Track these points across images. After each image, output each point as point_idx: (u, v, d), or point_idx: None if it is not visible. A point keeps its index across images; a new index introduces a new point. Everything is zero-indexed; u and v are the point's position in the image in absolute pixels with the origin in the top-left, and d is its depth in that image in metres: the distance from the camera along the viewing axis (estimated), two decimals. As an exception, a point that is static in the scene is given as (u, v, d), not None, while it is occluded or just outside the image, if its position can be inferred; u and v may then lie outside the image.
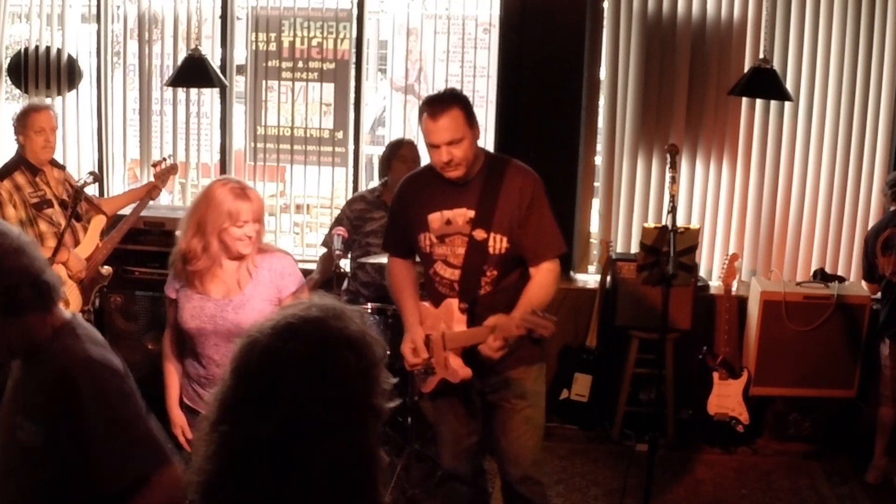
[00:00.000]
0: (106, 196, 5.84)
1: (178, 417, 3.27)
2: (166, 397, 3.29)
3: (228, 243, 3.14)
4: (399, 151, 4.86)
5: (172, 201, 5.98)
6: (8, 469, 2.11)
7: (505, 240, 3.27)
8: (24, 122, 4.45)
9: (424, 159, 5.37)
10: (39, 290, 2.05)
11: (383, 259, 4.69)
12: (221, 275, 3.21)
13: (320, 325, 1.46)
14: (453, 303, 3.33)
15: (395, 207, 3.53)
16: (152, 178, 4.96)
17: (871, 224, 5.20)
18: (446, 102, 3.22)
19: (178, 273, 3.21)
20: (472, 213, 3.28)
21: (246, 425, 1.41)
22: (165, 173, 4.93)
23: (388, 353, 4.64)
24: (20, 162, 4.46)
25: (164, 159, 5.02)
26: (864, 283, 5.04)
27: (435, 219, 3.34)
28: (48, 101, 5.78)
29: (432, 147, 3.25)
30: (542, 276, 3.29)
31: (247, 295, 3.18)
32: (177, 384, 3.32)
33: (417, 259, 3.54)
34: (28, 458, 2.03)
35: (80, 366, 2.04)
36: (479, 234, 3.27)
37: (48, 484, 2.02)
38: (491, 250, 3.27)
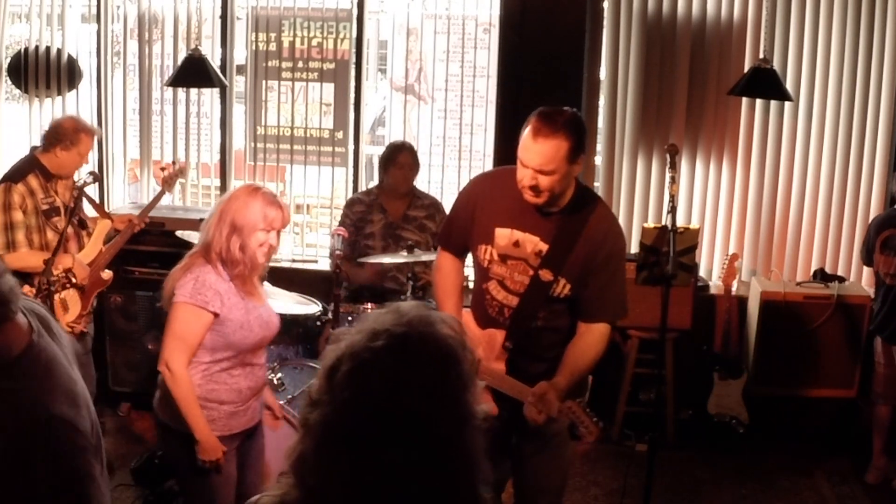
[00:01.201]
0: (107, 196, 5.84)
1: (218, 444, 3.08)
2: (200, 426, 3.03)
3: (251, 248, 3.06)
4: (398, 158, 4.88)
5: (172, 202, 5.97)
6: None
7: (569, 286, 3.05)
8: (74, 140, 4.29)
9: (423, 163, 5.40)
10: None
11: (382, 259, 4.72)
12: (249, 284, 3.19)
13: (435, 339, 1.41)
14: (497, 336, 3.13)
15: (461, 203, 3.25)
16: (158, 183, 4.93)
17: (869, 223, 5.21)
18: (557, 128, 2.89)
19: (224, 280, 3.06)
20: (544, 247, 3.04)
21: (369, 450, 1.35)
22: (172, 178, 4.88)
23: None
24: (35, 165, 4.29)
25: (172, 164, 4.98)
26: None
27: (503, 235, 3.09)
28: (48, 104, 5.78)
29: (522, 164, 2.94)
30: (593, 338, 3.08)
31: (265, 297, 3.26)
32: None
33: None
34: None
35: (38, 424, 1.82)
36: (546, 274, 3.04)
37: None
38: (553, 293, 3.06)
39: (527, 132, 2.93)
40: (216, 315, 3.03)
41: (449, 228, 3.33)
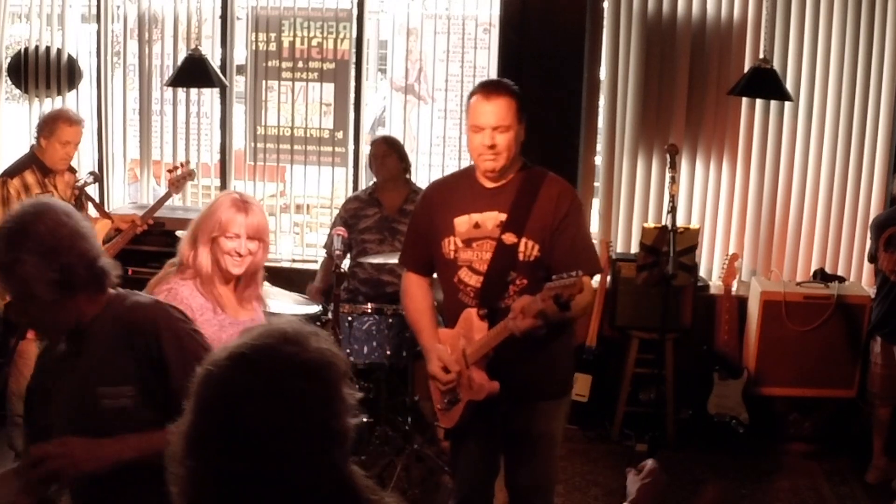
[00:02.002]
0: (107, 196, 5.85)
1: None
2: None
3: (218, 257, 2.93)
4: (372, 148, 5.02)
5: (173, 202, 5.96)
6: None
7: (537, 247, 3.08)
8: (52, 129, 4.37)
9: (423, 163, 5.41)
10: (94, 273, 2.13)
11: (381, 259, 4.72)
12: (227, 296, 3.02)
13: (272, 352, 1.42)
14: (471, 311, 3.12)
15: (417, 214, 3.34)
16: (168, 188, 4.91)
17: (871, 223, 5.21)
18: (502, 89, 3.10)
19: (202, 294, 2.97)
20: (503, 217, 3.11)
21: (209, 459, 1.38)
22: (181, 180, 4.88)
23: (389, 353, 4.61)
24: (32, 161, 4.41)
25: (181, 165, 4.98)
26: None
27: (462, 222, 3.16)
28: (48, 104, 5.78)
29: (477, 129, 3.07)
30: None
31: (256, 311, 3.07)
32: None
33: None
34: (119, 424, 2.07)
35: (153, 312, 2.18)
36: (510, 237, 3.10)
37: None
38: (521, 256, 3.09)
39: (476, 99, 3.09)
40: None
41: (410, 243, 3.38)
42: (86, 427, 2.08)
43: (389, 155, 4.91)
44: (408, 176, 5.02)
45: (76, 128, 4.44)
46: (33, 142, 4.50)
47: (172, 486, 1.43)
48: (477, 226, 3.15)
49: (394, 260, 4.64)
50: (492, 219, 3.13)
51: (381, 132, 6.76)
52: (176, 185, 4.86)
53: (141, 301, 2.22)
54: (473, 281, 3.15)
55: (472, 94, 3.15)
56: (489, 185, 3.15)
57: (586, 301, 3.06)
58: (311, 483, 1.40)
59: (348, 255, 4.77)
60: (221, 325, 2.97)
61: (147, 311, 2.19)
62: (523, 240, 3.09)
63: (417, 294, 3.31)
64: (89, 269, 2.11)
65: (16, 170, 4.35)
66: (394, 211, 4.89)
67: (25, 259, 2.03)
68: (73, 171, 4.67)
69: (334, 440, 1.42)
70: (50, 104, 5.81)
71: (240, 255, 2.93)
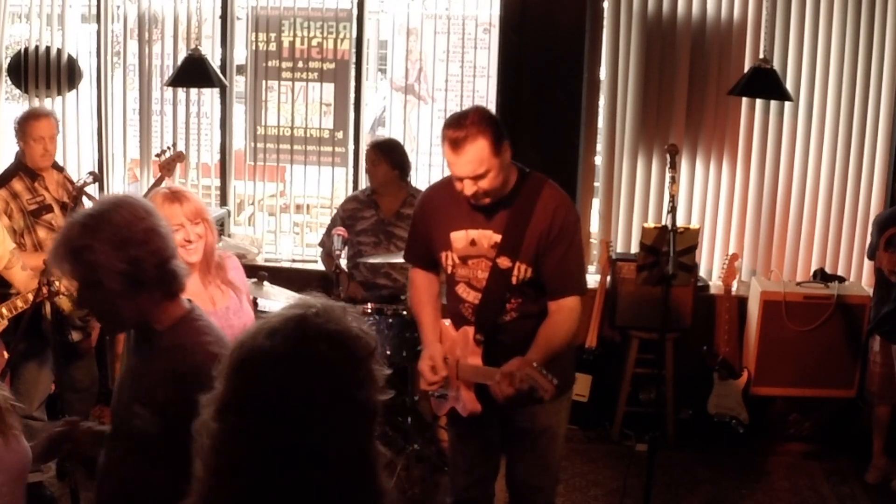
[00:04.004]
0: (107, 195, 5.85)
1: None
2: None
3: None
4: (366, 156, 5.02)
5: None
6: (118, 457, 2.14)
7: (529, 270, 3.09)
8: (23, 129, 4.39)
9: (423, 163, 5.41)
10: (162, 274, 2.10)
11: (377, 260, 4.73)
12: (194, 289, 2.96)
13: (299, 321, 1.47)
14: (469, 332, 3.16)
15: (416, 219, 3.33)
16: (155, 173, 4.93)
17: (871, 223, 5.20)
18: (470, 133, 2.89)
19: None
20: (497, 238, 3.08)
21: (237, 424, 1.42)
22: (171, 162, 4.88)
23: (389, 353, 4.62)
24: (19, 168, 4.41)
25: (167, 149, 4.98)
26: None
27: (458, 238, 3.14)
28: (48, 104, 5.78)
29: (455, 177, 2.99)
30: (562, 315, 3.08)
31: (234, 297, 3.11)
32: None
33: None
34: (141, 447, 2.06)
35: (198, 361, 2.05)
36: (504, 262, 3.08)
37: (155, 477, 2.03)
38: (514, 280, 3.10)
39: (445, 148, 2.95)
40: None
41: (412, 245, 3.40)
42: (118, 435, 2.10)
43: (378, 163, 4.89)
44: (407, 178, 5.01)
45: (44, 121, 4.40)
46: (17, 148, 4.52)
47: (197, 455, 1.47)
48: (473, 243, 3.14)
49: (390, 260, 4.65)
50: (487, 238, 3.11)
51: (381, 132, 6.76)
52: (167, 168, 4.85)
53: (204, 347, 2.11)
54: (471, 297, 3.17)
55: (442, 135, 2.98)
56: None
57: (570, 329, 3.10)
58: (332, 450, 1.43)
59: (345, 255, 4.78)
60: None
61: (206, 363, 2.03)
62: (517, 264, 3.09)
63: (422, 285, 3.34)
64: (159, 267, 2.09)
65: (3, 180, 4.35)
66: (390, 214, 4.89)
67: (97, 246, 2.03)
68: (59, 168, 4.65)
69: (360, 412, 1.46)
70: (50, 104, 5.81)
71: (189, 242, 2.99)
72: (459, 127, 2.92)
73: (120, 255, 2.04)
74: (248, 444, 1.41)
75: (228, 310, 3.10)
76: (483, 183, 2.96)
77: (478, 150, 2.90)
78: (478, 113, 2.98)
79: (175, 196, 3.00)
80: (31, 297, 3.83)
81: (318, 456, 1.42)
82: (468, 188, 2.98)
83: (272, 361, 1.43)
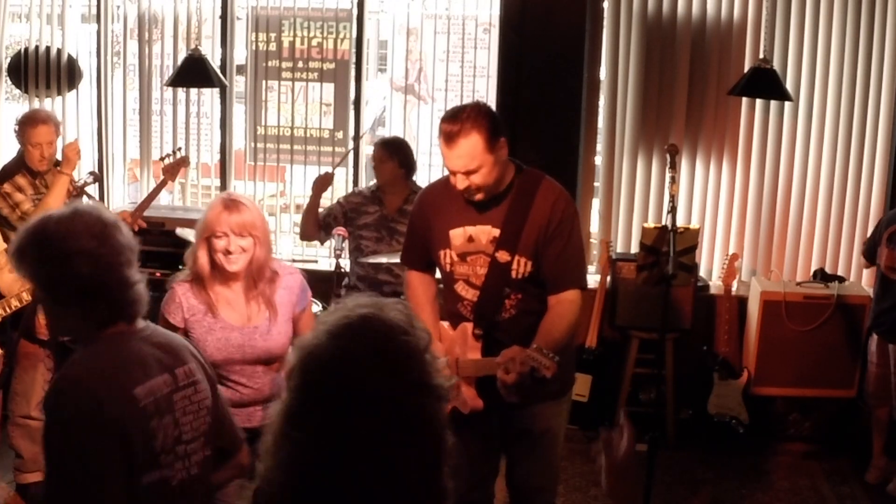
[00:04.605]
0: (107, 196, 5.85)
1: None
2: None
3: (213, 257, 3.00)
4: (372, 154, 5.00)
5: (172, 201, 5.98)
6: None
7: (529, 263, 3.08)
8: (22, 133, 4.43)
9: (423, 163, 5.41)
10: (89, 301, 2.03)
11: (380, 259, 4.72)
12: (234, 300, 3.08)
13: (376, 318, 1.49)
14: (468, 327, 3.16)
15: (414, 220, 3.34)
16: (162, 176, 4.92)
17: (871, 223, 5.21)
18: (465, 127, 2.91)
19: (195, 296, 3.06)
20: (496, 233, 3.08)
21: (322, 430, 1.43)
22: (175, 167, 4.88)
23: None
24: (21, 164, 4.45)
25: (173, 153, 4.98)
26: (863, 260, 4.98)
27: (457, 235, 3.14)
28: (48, 104, 5.78)
29: (450, 171, 3.02)
30: (563, 308, 3.07)
31: (271, 320, 3.08)
32: None
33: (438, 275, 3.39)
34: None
35: (65, 387, 2.00)
36: (503, 256, 3.08)
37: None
38: (514, 274, 3.09)
39: (440, 141, 2.97)
40: (180, 328, 3.04)
41: (410, 246, 3.38)
42: None
43: (386, 161, 4.89)
44: (412, 177, 5.02)
45: (42, 128, 4.41)
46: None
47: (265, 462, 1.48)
48: (471, 239, 3.13)
49: (393, 259, 4.65)
50: (485, 233, 3.11)
51: (381, 132, 6.76)
52: (171, 172, 4.85)
53: (73, 365, 2.04)
54: (470, 295, 3.17)
55: (439, 124, 3.02)
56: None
57: (571, 321, 3.08)
58: (421, 442, 1.46)
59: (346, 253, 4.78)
60: (210, 328, 3.05)
61: (59, 383, 2.04)
62: (516, 257, 3.08)
63: (419, 288, 3.33)
64: (81, 293, 2.02)
65: (7, 174, 4.40)
66: (394, 211, 4.90)
67: (28, 253, 2.02)
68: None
69: (436, 398, 1.48)
70: (50, 104, 5.81)
71: (230, 252, 2.98)
72: (454, 121, 2.94)
73: (39, 269, 2.02)
74: (339, 446, 1.42)
75: (256, 329, 3.07)
76: (475, 178, 2.97)
77: (471, 146, 2.92)
78: (475, 108, 2.99)
79: (229, 204, 3.01)
80: (25, 296, 3.84)
81: (409, 449, 1.44)
82: (460, 182, 2.99)
83: (362, 362, 1.44)
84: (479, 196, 3.04)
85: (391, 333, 1.47)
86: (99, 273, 2.00)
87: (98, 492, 1.92)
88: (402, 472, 1.44)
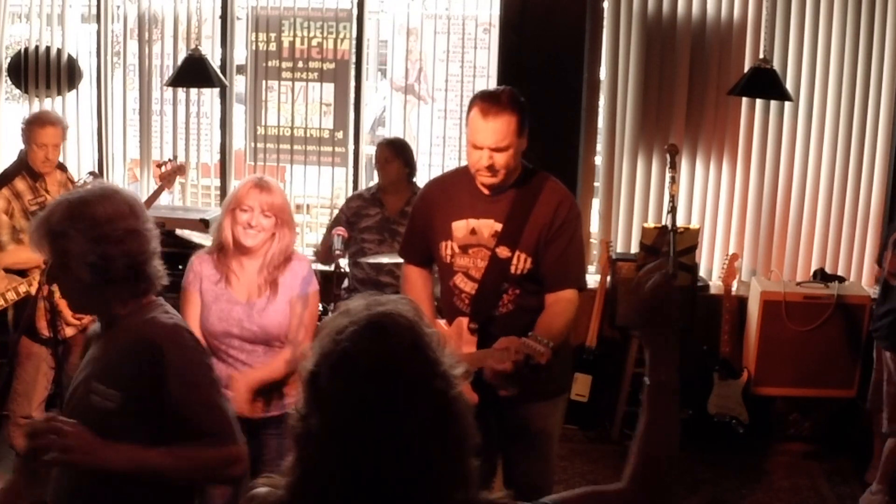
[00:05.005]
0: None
1: None
2: None
3: (234, 229, 3.15)
4: (375, 153, 5.00)
5: (172, 201, 5.98)
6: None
7: (529, 260, 3.10)
8: (28, 133, 4.42)
9: (423, 163, 5.41)
10: (132, 275, 2.14)
11: (381, 259, 4.72)
12: (244, 275, 3.21)
13: (398, 314, 1.49)
14: (463, 322, 3.16)
15: (416, 212, 3.34)
16: (159, 182, 4.93)
17: (871, 223, 5.22)
18: (503, 104, 2.97)
19: (214, 265, 3.22)
20: (498, 227, 3.10)
21: (359, 430, 1.42)
22: (171, 175, 4.90)
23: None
24: (22, 167, 4.43)
25: (169, 160, 5.00)
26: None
27: (459, 227, 3.16)
28: (48, 104, 5.78)
29: (474, 147, 3.01)
30: (561, 306, 3.08)
31: (269, 299, 3.21)
32: None
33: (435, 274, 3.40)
34: (103, 422, 2.08)
35: (166, 334, 2.15)
36: (503, 251, 3.10)
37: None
38: (513, 269, 3.10)
39: (474, 114, 3.00)
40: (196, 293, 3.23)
41: (409, 241, 3.40)
42: (74, 416, 2.11)
43: (391, 161, 4.89)
44: (413, 178, 5.02)
45: (49, 129, 4.42)
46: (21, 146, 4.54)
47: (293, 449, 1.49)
48: (473, 232, 3.15)
49: (394, 260, 4.64)
50: (488, 227, 3.13)
51: (381, 132, 6.76)
52: (167, 179, 4.88)
53: (159, 320, 2.19)
54: (468, 287, 3.18)
55: (472, 103, 3.06)
56: (487, 191, 3.14)
57: (567, 319, 3.09)
58: (457, 431, 1.50)
59: (346, 254, 4.78)
60: (217, 297, 3.21)
61: (160, 333, 2.16)
62: (517, 253, 3.10)
63: (417, 283, 3.34)
64: (130, 268, 2.12)
65: (5, 179, 4.39)
66: (395, 212, 4.89)
67: (73, 235, 2.07)
68: (63, 168, 4.67)
69: (455, 381, 1.51)
70: (50, 104, 5.81)
71: (251, 227, 3.13)
72: (495, 99, 3.00)
73: (93, 248, 2.07)
74: (373, 443, 1.42)
75: (254, 306, 3.20)
76: (499, 158, 2.98)
77: (505, 123, 2.96)
78: (514, 91, 3.06)
79: (261, 184, 3.19)
80: (10, 295, 3.85)
81: (405, 447, 1.44)
82: (484, 159, 2.98)
83: (400, 360, 1.44)
84: (493, 180, 3.04)
85: (418, 326, 1.49)
86: (144, 249, 2.14)
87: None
88: (438, 457, 1.45)
